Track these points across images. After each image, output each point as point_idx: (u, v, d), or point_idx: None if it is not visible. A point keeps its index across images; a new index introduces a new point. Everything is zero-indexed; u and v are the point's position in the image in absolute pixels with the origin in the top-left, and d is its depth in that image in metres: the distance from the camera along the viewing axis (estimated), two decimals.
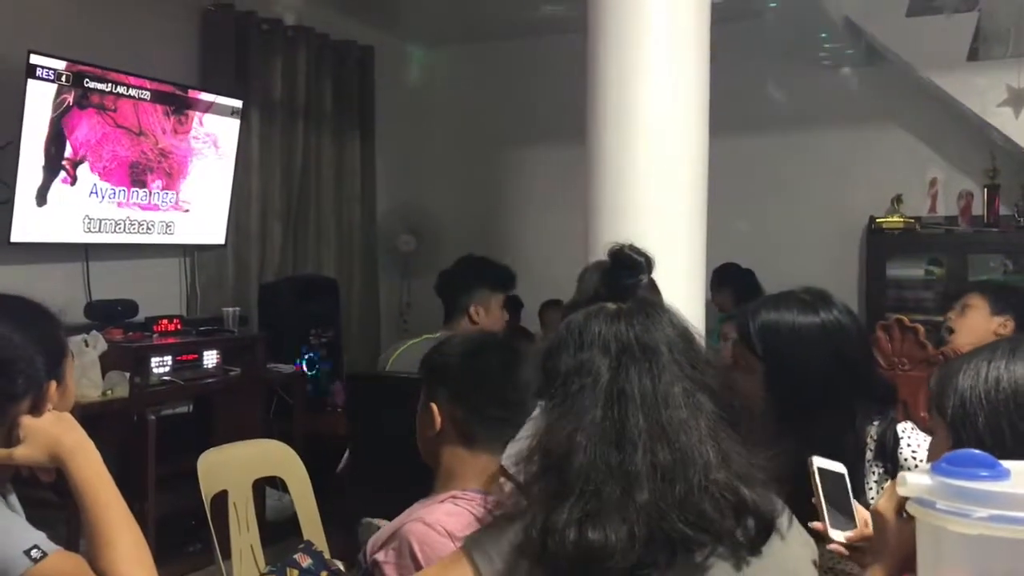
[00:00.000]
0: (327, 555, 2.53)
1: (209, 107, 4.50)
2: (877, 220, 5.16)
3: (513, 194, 6.09)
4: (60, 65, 3.73)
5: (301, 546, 2.50)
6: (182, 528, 3.95)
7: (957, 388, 1.16)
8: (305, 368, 4.90)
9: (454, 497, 1.63)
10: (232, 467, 2.49)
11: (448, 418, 1.68)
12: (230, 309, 4.44)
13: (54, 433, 1.35)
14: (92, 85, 3.89)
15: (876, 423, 1.71)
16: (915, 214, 5.15)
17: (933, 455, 1.20)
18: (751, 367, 1.69)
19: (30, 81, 3.63)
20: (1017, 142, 4.41)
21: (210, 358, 4.19)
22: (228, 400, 4.18)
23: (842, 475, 1.36)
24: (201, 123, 4.48)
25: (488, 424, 1.68)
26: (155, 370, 3.91)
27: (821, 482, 1.32)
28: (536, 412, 1.93)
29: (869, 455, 1.70)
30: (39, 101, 3.68)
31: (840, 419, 1.68)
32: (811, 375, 1.66)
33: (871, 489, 1.68)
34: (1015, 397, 1.13)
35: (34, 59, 3.63)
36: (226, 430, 4.12)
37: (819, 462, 1.35)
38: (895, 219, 5.14)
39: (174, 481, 3.91)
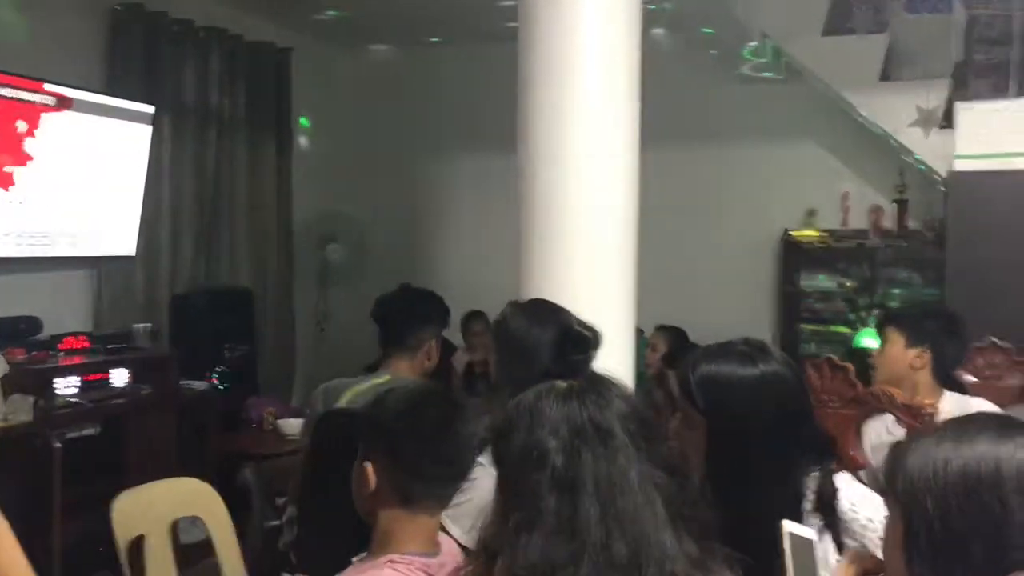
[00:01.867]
0: None
1: (118, 113, 4.30)
2: (791, 233, 5.27)
3: (436, 203, 6.03)
4: None
5: None
6: (91, 557, 3.77)
7: (907, 469, 1.16)
8: (218, 383, 4.75)
9: (392, 562, 1.57)
10: (148, 510, 2.38)
11: (385, 478, 1.62)
12: (140, 325, 4.27)
13: None
14: None
15: (814, 473, 1.71)
16: (828, 227, 5.28)
17: (887, 536, 1.20)
18: (693, 422, 1.68)
19: None
20: (926, 161, 4.54)
21: (119, 377, 4.02)
22: (139, 420, 4.02)
23: (810, 541, 1.35)
24: (109, 130, 4.28)
25: (427, 484, 1.63)
26: (60, 391, 3.73)
27: (791, 547, 1.31)
28: (478, 471, 1.90)
29: (807, 506, 1.70)
30: None
31: (779, 470, 1.67)
32: (752, 428, 1.65)
33: None
34: (963, 478, 1.13)
35: None
36: (137, 452, 3.97)
37: (790, 527, 1.34)
38: (809, 232, 5.26)
39: (82, 508, 3.73)
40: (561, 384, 1.21)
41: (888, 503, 1.20)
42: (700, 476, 1.68)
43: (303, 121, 5.84)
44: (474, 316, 5.30)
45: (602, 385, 1.21)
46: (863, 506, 1.67)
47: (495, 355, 2.32)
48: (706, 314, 5.06)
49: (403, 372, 2.81)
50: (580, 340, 1.26)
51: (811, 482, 1.71)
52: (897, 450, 1.21)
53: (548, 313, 2.29)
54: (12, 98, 3.77)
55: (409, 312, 2.91)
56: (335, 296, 5.94)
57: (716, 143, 5.36)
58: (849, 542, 1.68)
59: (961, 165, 3.07)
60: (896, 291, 5.09)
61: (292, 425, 4.58)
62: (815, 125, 5.27)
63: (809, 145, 5.32)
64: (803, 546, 1.32)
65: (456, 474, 1.68)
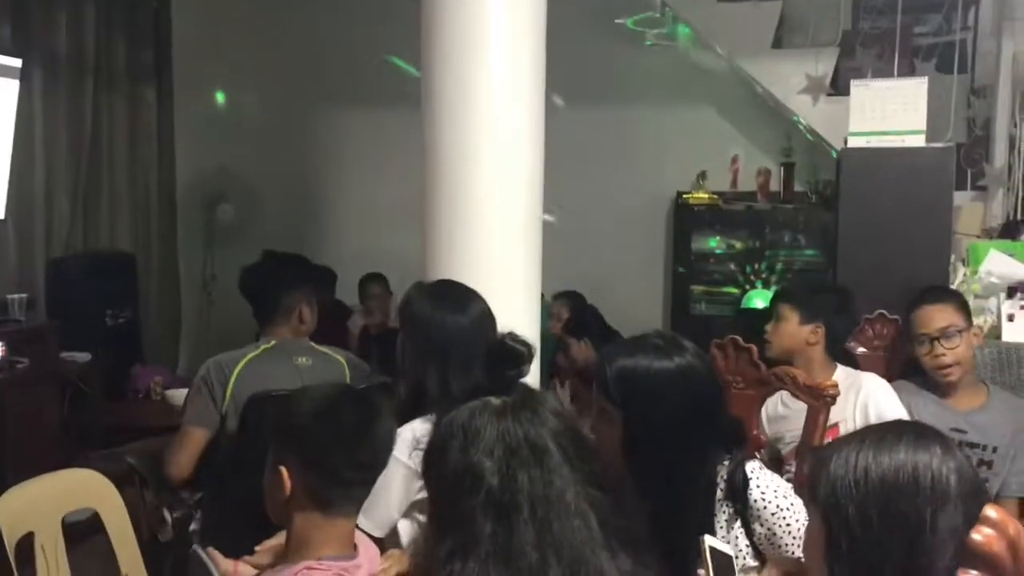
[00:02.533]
0: None
1: None
2: (684, 195, 5.36)
3: (332, 159, 5.84)
4: None
5: None
6: None
7: (829, 477, 1.19)
8: (100, 352, 4.54)
9: (309, 568, 1.54)
10: (38, 506, 2.25)
11: (300, 483, 1.57)
12: (15, 296, 4.03)
13: None
14: None
15: (726, 462, 1.75)
16: (718, 189, 5.38)
17: (808, 541, 1.23)
18: (610, 417, 1.68)
19: None
20: (815, 128, 4.66)
21: None
22: (18, 397, 3.80)
23: (730, 557, 1.39)
24: None
25: (343, 488, 1.59)
26: None
27: (713, 564, 1.34)
28: (393, 468, 1.87)
29: (719, 494, 1.74)
30: None
31: (694, 461, 1.71)
32: (668, 420, 1.67)
33: (721, 528, 1.73)
34: (883, 487, 1.16)
35: None
36: (18, 430, 3.78)
37: (711, 541, 1.37)
38: (700, 195, 5.35)
39: None
40: (495, 401, 1.18)
41: (809, 509, 1.23)
42: (617, 470, 1.70)
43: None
44: (371, 278, 5.21)
45: (536, 401, 1.19)
46: (773, 493, 1.72)
47: (401, 338, 2.27)
48: (601, 275, 5.14)
49: (285, 338, 2.81)
50: (514, 356, 1.22)
51: (723, 470, 1.75)
52: (818, 457, 1.24)
53: (456, 298, 2.26)
54: None
55: (274, 280, 2.87)
56: (222, 258, 5.73)
57: (614, 105, 5.36)
58: (759, 528, 1.73)
59: (854, 142, 3.16)
60: (782, 253, 5.24)
61: (180, 396, 4.41)
62: (708, 88, 5.33)
63: (702, 108, 5.39)
64: (724, 562, 1.35)
65: (373, 476, 1.65)
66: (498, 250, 2.83)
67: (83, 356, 4.25)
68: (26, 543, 2.24)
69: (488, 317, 2.20)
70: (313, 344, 2.88)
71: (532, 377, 2.79)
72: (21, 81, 4.21)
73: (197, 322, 5.70)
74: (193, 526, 2.70)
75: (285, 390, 2.36)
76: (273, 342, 2.76)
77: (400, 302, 2.38)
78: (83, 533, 2.69)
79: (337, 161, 5.85)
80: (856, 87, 3.23)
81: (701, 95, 5.33)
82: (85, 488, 2.38)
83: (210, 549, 1.80)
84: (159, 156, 5.30)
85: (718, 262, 5.36)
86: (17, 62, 4.18)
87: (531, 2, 2.88)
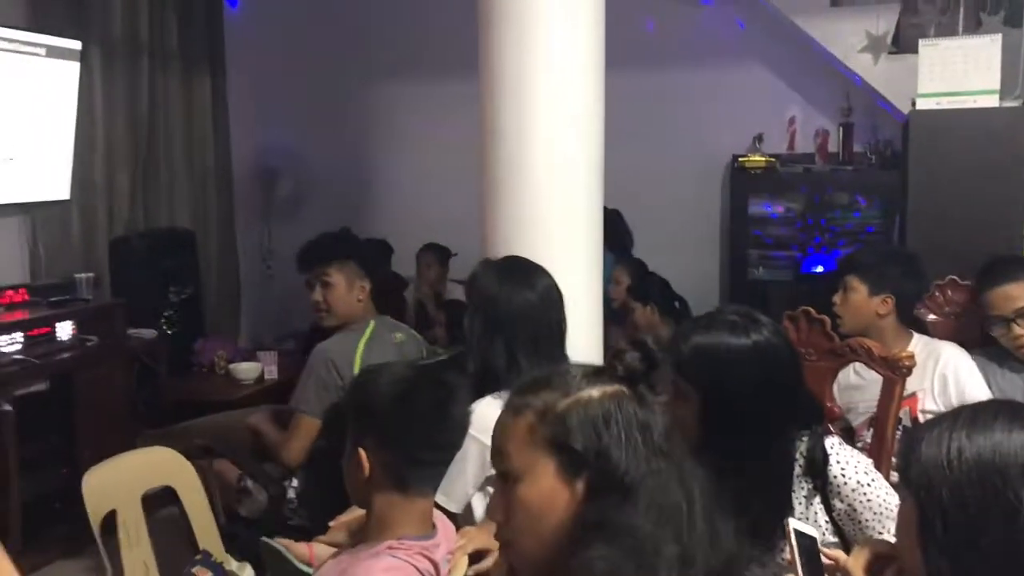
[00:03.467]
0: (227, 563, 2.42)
1: (43, 51, 4.06)
2: (739, 159, 5.27)
3: (385, 132, 5.85)
4: None
5: (198, 557, 2.38)
6: (48, 512, 3.71)
7: (920, 458, 1.17)
8: (165, 328, 4.63)
9: (391, 548, 1.56)
10: (119, 484, 2.32)
11: (378, 463, 1.59)
12: (83, 275, 4.11)
13: None
14: None
15: (804, 438, 1.73)
16: (775, 152, 5.29)
17: (901, 523, 1.22)
18: (685, 395, 1.67)
19: None
20: (876, 87, 4.54)
21: (64, 330, 3.88)
22: (88, 373, 3.90)
23: (814, 539, 1.37)
24: (35, 69, 4.04)
25: (421, 469, 1.60)
26: (4, 349, 3.59)
27: (798, 546, 1.33)
28: (467, 444, 1.87)
29: (797, 470, 1.73)
30: None
31: (773, 438, 1.69)
32: (745, 398, 1.65)
33: (799, 504, 1.72)
34: (977, 468, 1.14)
35: None
36: (89, 406, 3.88)
37: (795, 524, 1.35)
38: (757, 158, 5.24)
39: (36, 465, 3.67)
40: (624, 389, 1.17)
41: (901, 491, 1.21)
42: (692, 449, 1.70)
43: None
44: (426, 249, 5.24)
45: (647, 392, 1.18)
46: (853, 469, 1.70)
47: (469, 313, 2.28)
48: (656, 241, 5.10)
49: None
50: (651, 361, 1.21)
51: (801, 446, 1.74)
52: (911, 437, 1.22)
53: (524, 274, 2.25)
54: None
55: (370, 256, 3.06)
56: (279, 232, 5.80)
57: (662, 68, 5.28)
58: (838, 504, 1.72)
59: (923, 104, 3.07)
60: (841, 215, 5.14)
61: (244, 369, 4.51)
62: (761, 48, 5.22)
63: (756, 68, 5.28)
64: (809, 545, 1.34)
65: (451, 457, 1.66)
66: (559, 218, 2.82)
67: (149, 332, 4.34)
68: (109, 521, 2.31)
69: (555, 292, 2.20)
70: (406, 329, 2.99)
71: (595, 343, 2.82)
72: (81, 63, 4.27)
73: (256, 295, 5.78)
74: (290, 494, 2.75)
75: None
76: (372, 322, 2.85)
77: (467, 278, 2.39)
78: (157, 504, 2.77)
79: (391, 134, 5.85)
80: (924, 47, 3.13)
81: (756, 56, 5.22)
82: (163, 466, 2.44)
83: (279, 539, 1.84)
84: (214, 134, 5.35)
85: (775, 226, 5.27)
86: (77, 44, 4.24)
87: None
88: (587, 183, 2.90)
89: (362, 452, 1.59)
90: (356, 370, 2.67)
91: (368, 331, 2.82)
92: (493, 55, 2.81)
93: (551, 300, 2.18)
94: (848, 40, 4.57)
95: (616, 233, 4.93)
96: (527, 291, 2.18)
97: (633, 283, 4.13)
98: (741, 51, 5.24)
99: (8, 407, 3.37)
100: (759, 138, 5.26)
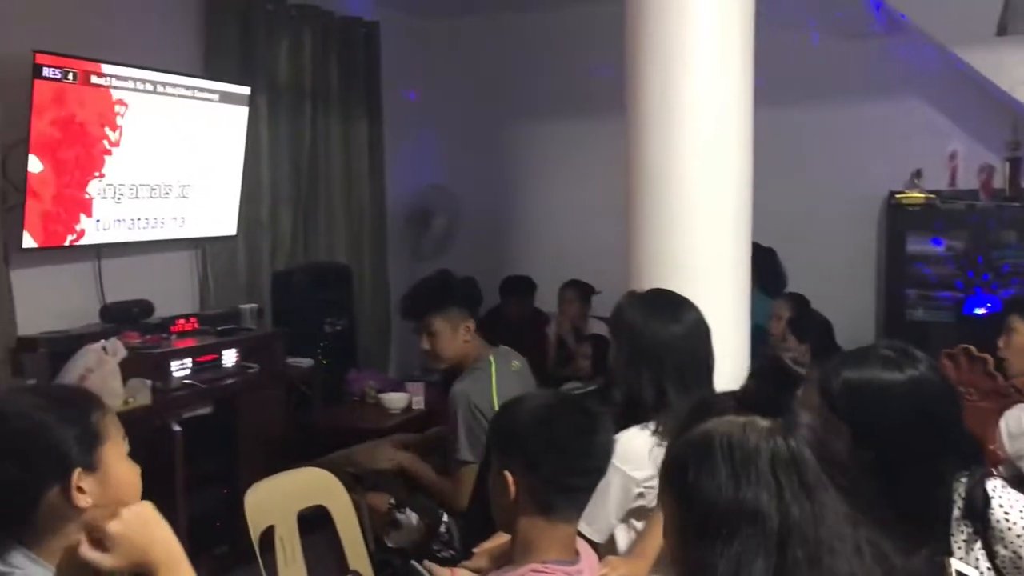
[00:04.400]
0: None
1: (216, 96, 4.37)
2: (897, 195, 5.09)
3: (530, 170, 5.98)
4: (65, 63, 3.60)
5: None
6: (210, 530, 3.92)
7: None
8: (321, 358, 4.84)
9: (534, 571, 1.58)
10: (277, 501, 2.44)
11: (523, 488, 1.62)
12: (247, 306, 4.37)
13: (140, 544, 1.29)
14: (98, 82, 3.76)
15: (963, 480, 1.66)
16: (935, 188, 5.08)
17: None
18: (836, 430, 1.62)
19: (36, 81, 3.50)
20: None
21: (229, 357, 4.12)
22: (249, 399, 4.12)
23: None
24: (208, 113, 4.35)
25: (566, 494, 1.62)
26: (175, 374, 3.84)
27: None
28: (611, 475, 1.88)
29: (956, 513, 1.65)
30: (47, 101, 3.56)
31: (927, 478, 1.62)
32: (898, 435, 1.60)
33: (959, 549, 1.64)
34: None
35: (39, 59, 3.50)
36: (249, 429, 4.08)
37: (957, 565, 1.30)
38: (915, 194, 5.06)
39: (199, 484, 3.88)
40: (761, 421, 1.10)
41: None
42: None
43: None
44: (567, 286, 5.28)
45: (798, 424, 1.12)
46: (1019, 514, 1.61)
47: (614, 346, 2.29)
48: (808, 280, 4.96)
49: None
50: (792, 379, 1.18)
51: (960, 488, 1.66)
52: None
53: (670, 306, 2.25)
54: (117, 86, 3.84)
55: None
56: (427, 269, 5.96)
57: (816, 102, 5.19)
58: (1002, 551, 1.63)
59: None
60: (1008, 254, 4.88)
61: (393, 399, 4.65)
62: (920, 81, 5.05)
63: (914, 102, 5.11)
64: None
65: (595, 483, 1.68)
66: (705, 255, 2.81)
67: (306, 361, 4.55)
68: (266, 536, 2.43)
69: (702, 324, 2.19)
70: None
71: (740, 374, 2.77)
72: (249, 107, 4.57)
73: (406, 328, 5.95)
74: (442, 528, 2.80)
75: None
76: (492, 358, 2.92)
77: (613, 311, 2.40)
78: (310, 526, 2.88)
79: (535, 172, 5.98)
80: None
81: (913, 88, 5.05)
82: (318, 486, 2.55)
83: (427, 562, 1.88)
84: (370, 173, 5.58)
85: (936, 265, 5.05)
86: (246, 90, 4.54)
87: (739, 3, 2.84)
88: (735, 220, 2.88)
89: (508, 476, 1.62)
90: (495, 406, 2.69)
91: (493, 368, 2.88)
92: (639, 93, 2.84)
93: (698, 332, 2.17)
94: (1015, 71, 4.37)
95: (770, 272, 4.86)
96: (673, 324, 2.17)
97: (795, 317, 4.04)
98: (899, 84, 5.09)
99: (177, 427, 3.60)
100: (918, 173, 5.08)
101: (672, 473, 1.14)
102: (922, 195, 5.01)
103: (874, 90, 5.12)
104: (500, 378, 2.85)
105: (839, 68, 5.14)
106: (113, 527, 1.28)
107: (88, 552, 1.26)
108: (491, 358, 2.91)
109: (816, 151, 5.24)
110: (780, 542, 1.04)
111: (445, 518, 2.81)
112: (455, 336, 2.94)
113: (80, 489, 1.36)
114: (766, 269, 4.77)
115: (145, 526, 1.30)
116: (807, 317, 4.05)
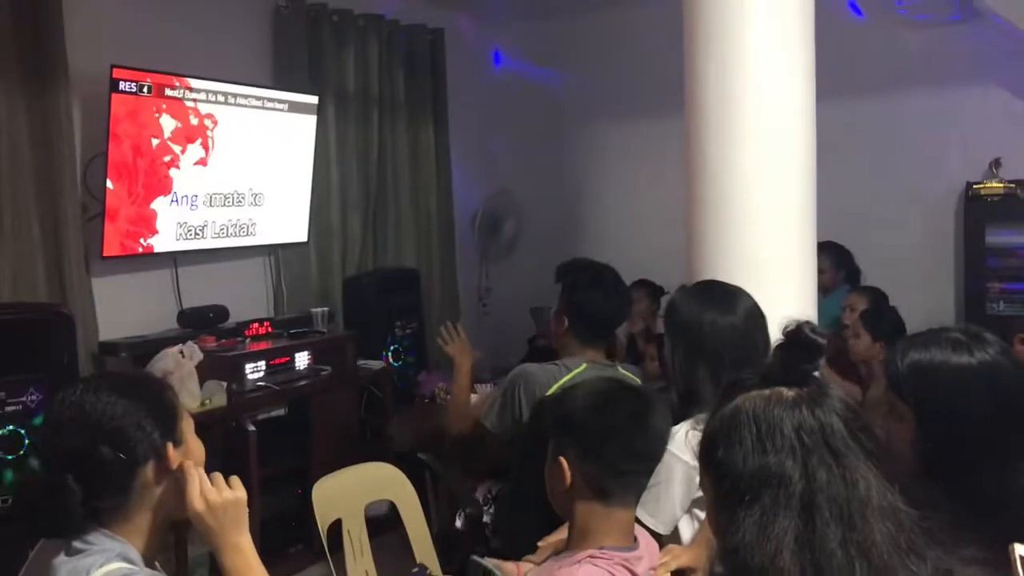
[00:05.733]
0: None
1: (285, 106, 4.47)
2: (975, 186, 4.93)
3: (594, 172, 5.98)
4: (141, 77, 3.73)
5: (415, 570, 2.50)
6: (284, 529, 4.00)
7: None
8: (391, 360, 4.91)
9: (592, 556, 1.58)
10: (344, 494, 2.48)
11: (579, 473, 1.62)
12: (319, 309, 4.45)
13: (215, 525, 1.42)
14: (172, 94, 3.89)
15: None
16: (1015, 178, 4.91)
17: None
18: (901, 414, 1.59)
19: (113, 94, 3.64)
20: None
21: (302, 360, 4.21)
22: (322, 400, 4.19)
23: None
24: (278, 122, 4.46)
25: (623, 478, 1.62)
26: (250, 376, 3.94)
27: None
28: (674, 466, 1.88)
29: None
30: (124, 114, 3.69)
31: (1000, 464, 1.57)
32: (966, 421, 1.55)
33: None
34: None
35: (116, 73, 3.64)
36: (322, 431, 4.16)
37: (1021, 550, 1.26)
38: (994, 184, 4.90)
39: (274, 484, 3.96)
40: (787, 391, 1.11)
41: None
42: (908, 471, 1.60)
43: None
44: (634, 286, 5.24)
45: (827, 394, 1.12)
46: None
47: (669, 343, 2.26)
48: (883, 275, 4.83)
49: (599, 361, 2.79)
50: (811, 347, 1.17)
51: None
52: None
53: (724, 297, 2.22)
54: (190, 99, 3.97)
55: (616, 308, 2.86)
56: (495, 272, 6.02)
57: (888, 93, 5.06)
58: None
59: None
60: None
61: None
62: (996, 67, 4.89)
63: (991, 89, 4.95)
64: None
65: (651, 468, 1.67)
66: (769, 252, 2.76)
67: (377, 364, 4.61)
68: (335, 530, 2.47)
69: (757, 313, 2.15)
70: (620, 368, 2.84)
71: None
72: (317, 116, 4.66)
73: (474, 331, 5.99)
74: (485, 519, 2.84)
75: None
76: (584, 365, 2.72)
77: (664, 307, 2.37)
78: (380, 528, 2.92)
79: (599, 174, 5.96)
80: None
81: (990, 75, 4.89)
82: (384, 480, 2.59)
83: (489, 559, 1.89)
84: (437, 179, 5.63)
85: (1018, 257, 4.89)
86: (314, 99, 4.64)
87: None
88: (800, 216, 2.82)
89: (563, 461, 1.63)
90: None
91: (573, 373, 2.69)
92: (698, 90, 2.81)
93: (754, 321, 2.13)
94: None
95: (855, 270, 4.77)
96: (729, 315, 2.14)
97: (870, 311, 3.92)
98: (975, 71, 4.93)
99: (252, 427, 3.68)
100: (996, 163, 4.92)
101: (706, 449, 1.15)
102: (1001, 185, 4.85)
103: (949, 78, 4.97)
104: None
105: (912, 57, 5.01)
106: (197, 507, 1.41)
107: (197, 501, 1.41)
108: (583, 364, 2.73)
109: (889, 143, 5.11)
110: (806, 505, 1.04)
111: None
112: (559, 322, 2.84)
113: (171, 462, 1.45)
114: (846, 267, 4.72)
115: (225, 512, 1.43)
116: (883, 312, 3.93)
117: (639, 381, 2.79)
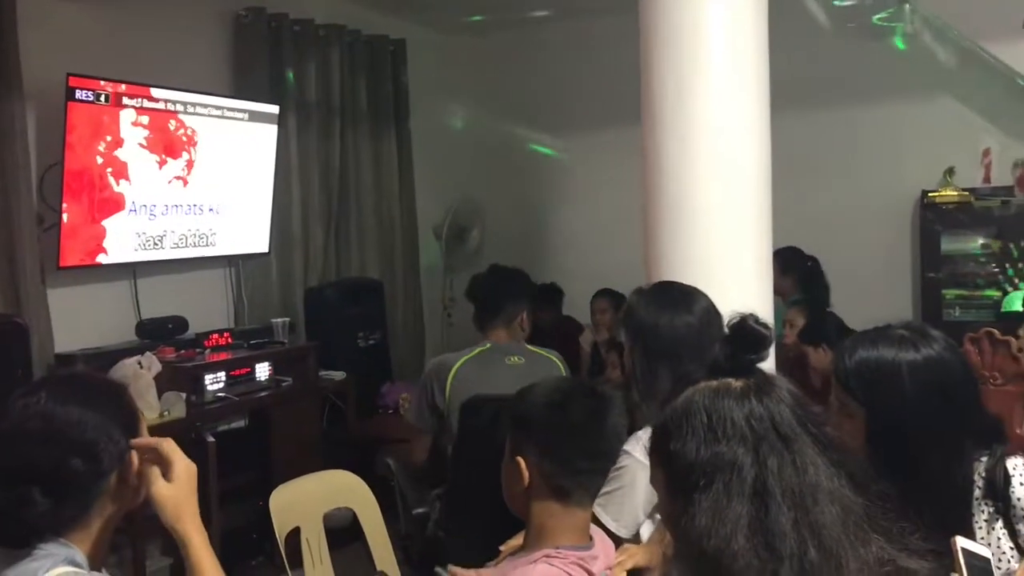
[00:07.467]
0: None
1: (246, 115, 4.45)
2: (930, 194, 5.02)
3: (557, 183, 6.01)
4: (97, 86, 3.69)
5: None
6: (245, 542, 3.96)
7: None
8: (354, 371, 4.88)
9: (548, 556, 1.58)
10: (303, 502, 2.46)
11: (538, 473, 1.62)
12: (279, 320, 4.42)
13: (173, 513, 1.41)
14: (131, 103, 3.85)
15: (984, 459, 1.63)
16: (968, 186, 5.00)
17: None
18: (850, 411, 1.61)
19: (70, 103, 3.60)
20: None
21: (262, 371, 4.18)
22: (283, 412, 4.16)
23: (987, 559, 1.29)
24: (239, 132, 4.43)
25: (580, 477, 1.62)
26: (209, 387, 3.90)
27: (965, 565, 1.25)
28: (624, 460, 1.89)
29: (977, 492, 1.62)
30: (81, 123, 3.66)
31: (945, 458, 1.60)
32: (914, 416, 1.58)
33: (980, 529, 1.61)
34: None
35: (73, 81, 3.60)
36: (283, 442, 4.13)
37: (963, 543, 1.28)
38: (948, 192, 4.99)
39: (234, 496, 3.92)
40: (735, 383, 1.13)
41: None
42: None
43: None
44: (599, 295, 5.28)
45: (774, 384, 1.14)
46: None
47: (629, 346, 2.27)
48: (841, 284, 4.90)
49: (501, 341, 3.04)
50: (756, 338, 1.19)
51: (980, 467, 1.63)
52: None
53: (680, 298, 2.24)
54: (148, 107, 3.93)
55: (499, 288, 3.16)
56: (459, 283, 6.00)
57: (844, 103, 5.14)
58: (1023, 529, 1.60)
59: None
60: None
61: None
62: (949, 78, 4.99)
63: (944, 100, 5.04)
64: (980, 565, 1.25)
65: (607, 466, 1.68)
66: (723, 259, 2.79)
67: (339, 375, 4.59)
68: (295, 539, 2.45)
69: (714, 312, 2.17)
70: (528, 346, 3.10)
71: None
72: (279, 126, 4.64)
73: (439, 342, 5.98)
74: (433, 516, 2.86)
75: (498, 394, 2.47)
76: (488, 344, 3.02)
77: (623, 310, 2.39)
78: (342, 540, 2.90)
79: (562, 185, 6.00)
80: None
81: (942, 85, 4.99)
82: (344, 487, 2.57)
83: (451, 567, 1.89)
84: (400, 189, 5.63)
85: (973, 264, 4.97)
86: (275, 108, 4.62)
87: (752, 8, 2.84)
88: (755, 221, 2.85)
89: (521, 461, 1.63)
90: (448, 384, 2.89)
91: (476, 351, 3.00)
92: (654, 100, 2.84)
93: (711, 321, 2.15)
94: None
95: (810, 275, 4.80)
96: (686, 315, 2.16)
97: (808, 324, 3.94)
98: (925, 80, 5.02)
99: (211, 439, 3.64)
100: (950, 171, 5.01)
101: (657, 441, 1.16)
102: (955, 193, 4.94)
103: (900, 88, 5.06)
104: (476, 360, 2.95)
105: (861, 67, 5.09)
106: (159, 491, 1.40)
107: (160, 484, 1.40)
108: (488, 344, 3.02)
109: (847, 153, 5.19)
110: (758, 490, 1.06)
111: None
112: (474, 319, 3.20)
113: (134, 468, 1.43)
114: (807, 274, 4.75)
115: (185, 500, 1.43)
116: (821, 321, 3.94)
117: (555, 360, 3.08)
